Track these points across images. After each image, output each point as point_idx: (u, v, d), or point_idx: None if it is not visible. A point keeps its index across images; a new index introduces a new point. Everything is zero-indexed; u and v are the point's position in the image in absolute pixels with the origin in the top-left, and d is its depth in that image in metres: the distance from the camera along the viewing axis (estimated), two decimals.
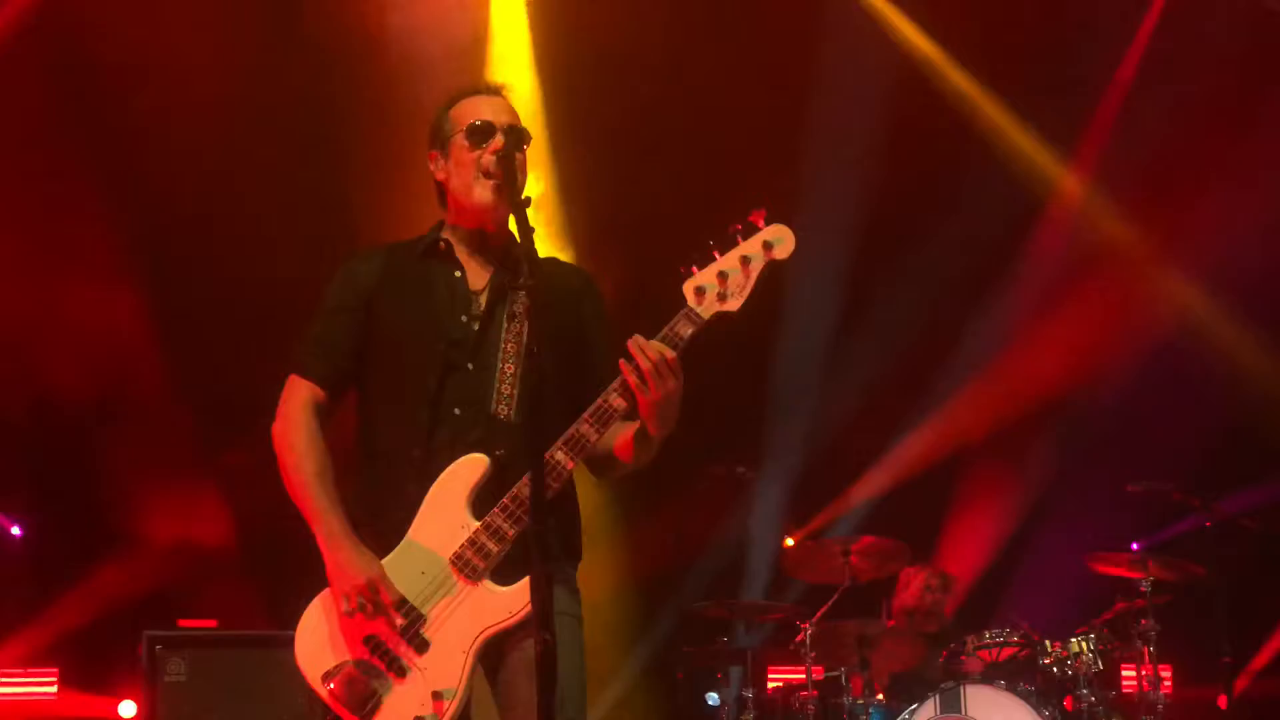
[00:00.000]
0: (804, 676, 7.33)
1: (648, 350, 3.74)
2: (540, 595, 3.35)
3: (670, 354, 3.76)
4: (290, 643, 3.96)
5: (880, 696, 7.39)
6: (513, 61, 8.54)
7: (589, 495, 4.25)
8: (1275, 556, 8.67)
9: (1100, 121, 9.57)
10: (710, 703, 7.68)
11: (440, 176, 4.17)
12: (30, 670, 7.51)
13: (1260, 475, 8.85)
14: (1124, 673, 7.72)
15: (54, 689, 7.44)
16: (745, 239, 3.91)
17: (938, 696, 6.99)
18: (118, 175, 8.08)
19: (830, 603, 7.56)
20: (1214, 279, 9.11)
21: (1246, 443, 9.02)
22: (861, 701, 7.29)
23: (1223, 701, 8.07)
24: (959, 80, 9.28)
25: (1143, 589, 7.41)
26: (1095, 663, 7.24)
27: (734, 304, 3.89)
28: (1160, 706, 7.38)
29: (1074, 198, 9.60)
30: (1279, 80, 9.05)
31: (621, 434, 3.95)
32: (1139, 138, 9.31)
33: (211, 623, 6.63)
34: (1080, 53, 9.30)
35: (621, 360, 3.78)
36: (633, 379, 3.76)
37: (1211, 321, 9.14)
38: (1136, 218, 9.43)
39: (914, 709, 6.99)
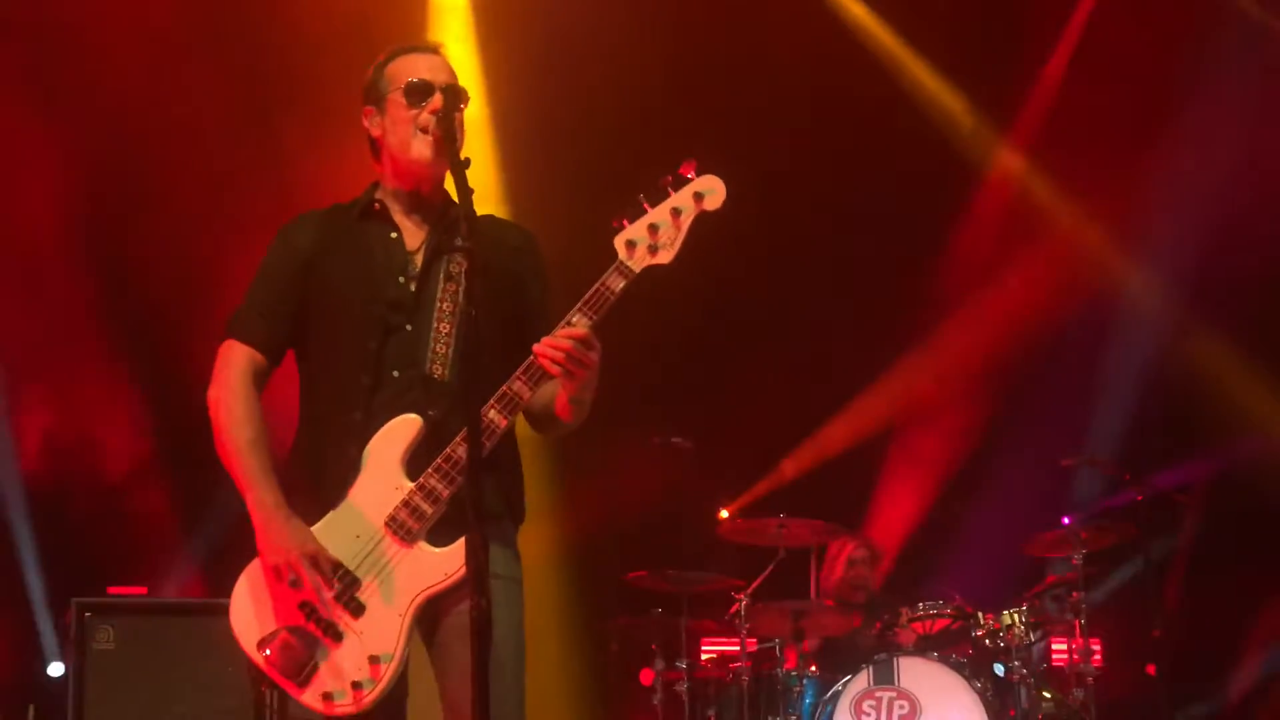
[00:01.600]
0: (738, 648, 7.34)
1: (558, 345, 3.74)
2: (475, 557, 3.32)
3: (580, 332, 3.76)
4: (223, 610, 3.93)
5: (814, 668, 7.39)
6: (451, 19, 8.51)
7: (529, 470, 4.22)
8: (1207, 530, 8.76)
9: (1038, 96, 9.61)
10: (644, 678, 7.67)
11: (375, 133, 4.14)
12: None
13: (1191, 451, 8.90)
14: (1054, 645, 7.74)
15: None
16: (676, 190, 3.91)
17: (871, 668, 7.03)
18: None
19: (765, 575, 7.57)
20: (1149, 257, 9.16)
21: (1177, 420, 9.08)
22: (795, 673, 7.31)
23: (1151, 669, 8.16)
24: (896, 51, 9.30)
25: (1074, 562, 7.46)
26: (1026, 635, 7.29)
27: (665, 256, 3.90)
28: (1090, 679, 7.45)
29: (1009, 171, 9.62)
30: (1214, 58, 9.11)
31: (559, 393, 3.93)
32: (1076, 112, 9.36)
33: (142, 590, 6.54)
34: (1019, 28, 9.33)
35: (535, 347, 3.77)
36: (555, 370, 3.77)
37: (1146, 300, 9.20)
38: (1073, 193, 9.46)
39: (847, 680, 7.02)
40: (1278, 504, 9.03)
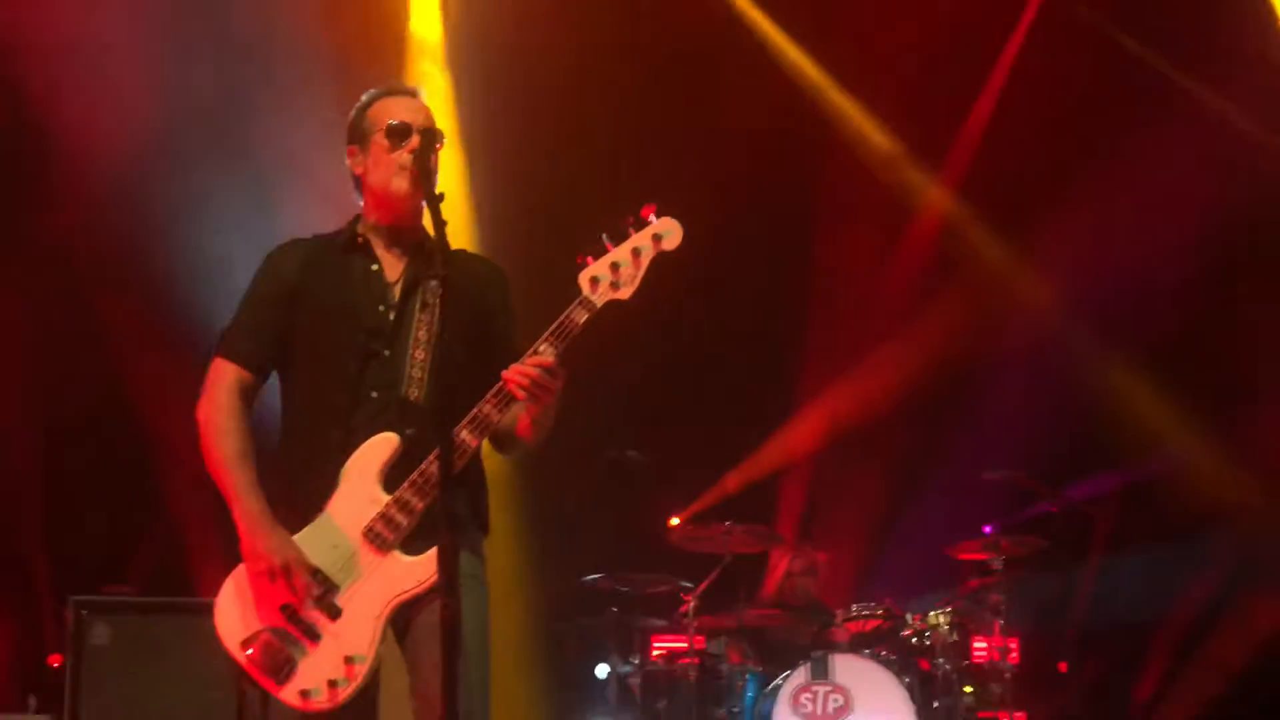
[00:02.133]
0: (687, 645, 7.33)
1: (526, 373, 3.76)
2: (447, 563, 3.33)
3: (547, 361, 3.78)
4: (209, 610, 3.92)
5: (756, 664, 7.38)
6: (427, 62, 8.50)
7: (492, 478, 4.22)
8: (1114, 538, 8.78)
9: (965, 140, 9.65)
10: (599, 674, 7.66)
11: (358, 170, 4.14)
12: None
13: (1100, 467, 8.94)
14: (975, 643, 7.76)
15: None
16: (636, 231, 3.93)
17: (808, 664, 7.02)
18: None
19: (711, 578, 7.56)
20: (1065, 290, 9.20)
21: (1089, 438, 9.12)
22: (739, 668, 7.30)
23: (1063, 667, 8.19)
24: (835, 97, 9.33)
25: (994, 568, 7.48)
26: (950, 634, 7.33)
27: (625, 292, 3.91)
28: (1008, 674, 7.48)
29: (940, 208, 9.65)
30: (1131, 108, 9.19)
31: (522, 415, 3.93)
32: (1002, 155, 9.41)
33: (133, 589, 6.51)
34: (948, 77, 9.38)
35: (504, 374, 3.79)
36: (521, 396, 3.78)
37: (1061, 327, 9.24)
38: (997, 230, 9.50)
39: (787, 675, 7.02)
40: (1179, 514, 9.08)
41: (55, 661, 6.69)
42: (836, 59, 9.27)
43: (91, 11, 7.65)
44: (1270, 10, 9.74)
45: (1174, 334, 8.94)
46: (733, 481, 8.92)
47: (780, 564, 8.02)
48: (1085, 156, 8.90)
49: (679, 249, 3.95)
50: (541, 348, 3.83)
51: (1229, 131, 9.28)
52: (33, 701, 6.67)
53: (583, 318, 3.87)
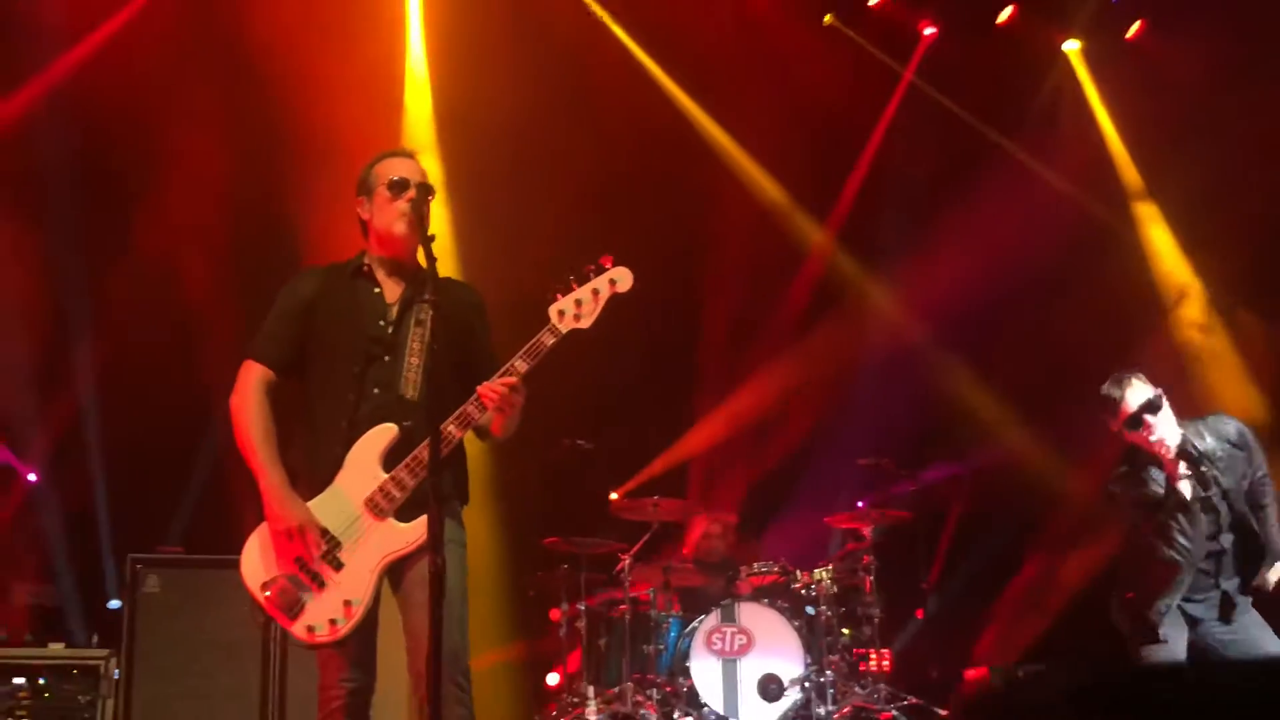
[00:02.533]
0: (622, 595, 7.32)
1: (495, 389, 3.82)
2: (433, 530, 3.37)
3: (513, 381, 3.84)
4: (237, 565, 3.93)
5: (677, 610, 7.37)
6: (420, 127, 8.48)
7: (472, 463, 4.21)
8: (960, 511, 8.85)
9: (845, 196, 9.71)
10: (553, 618, 7.63)
11: (365, 216, 4.16)
12: (40, 581, 7.25)
13: (948, 454, 8.99)
14: (853, 593, 7.76)
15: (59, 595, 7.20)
16: (596, 276, 4.00)
17: (719, 610, 7.02)
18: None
19: (643, 541, 7.56)
20: (925, 313, 9.25)
21: (940, 431, 9.18)
22: (663, 613, 7.29)
23: (920, 614, 8.23)
24: (739, 158, 9.35)
25: (866, 534, 7.51)
26: (831, 587, 7.33)
27: (585, 323, 3.96)
28: (876, 619, 7.50)
29: (824, 250, 9.68)
30: (970, 169, 9.26)
31: (495, 417, 3.96)
32: (872, 207, 9.47)
33: (179, 548, 6.45)
34: (833, 145, 9.43)
35: (480, 388, 3.83)
36: (491, 406, 3.85)
37: (921, 342, 9.29)
38: (870, 265, 9.55)
39: (701, 619, 7.02)
40: (1011, 493, 9.15)
41: (115, 605, 6.60)
42: (747, 134, 9.29)
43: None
44: (1080, 88, 9.88)
45: (1002, 346, 9.01)
46: (659, 465, 8.91)
47: (697, 529, 8.01)
48: (936, 206, 8.96)
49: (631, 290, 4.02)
50: (517, 362, 3.88)
51: (1043, 186, 9.39)
52: (95, 638, 6.60)
53: (550, 341, 3.92)
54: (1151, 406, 4.91)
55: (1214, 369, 9.08)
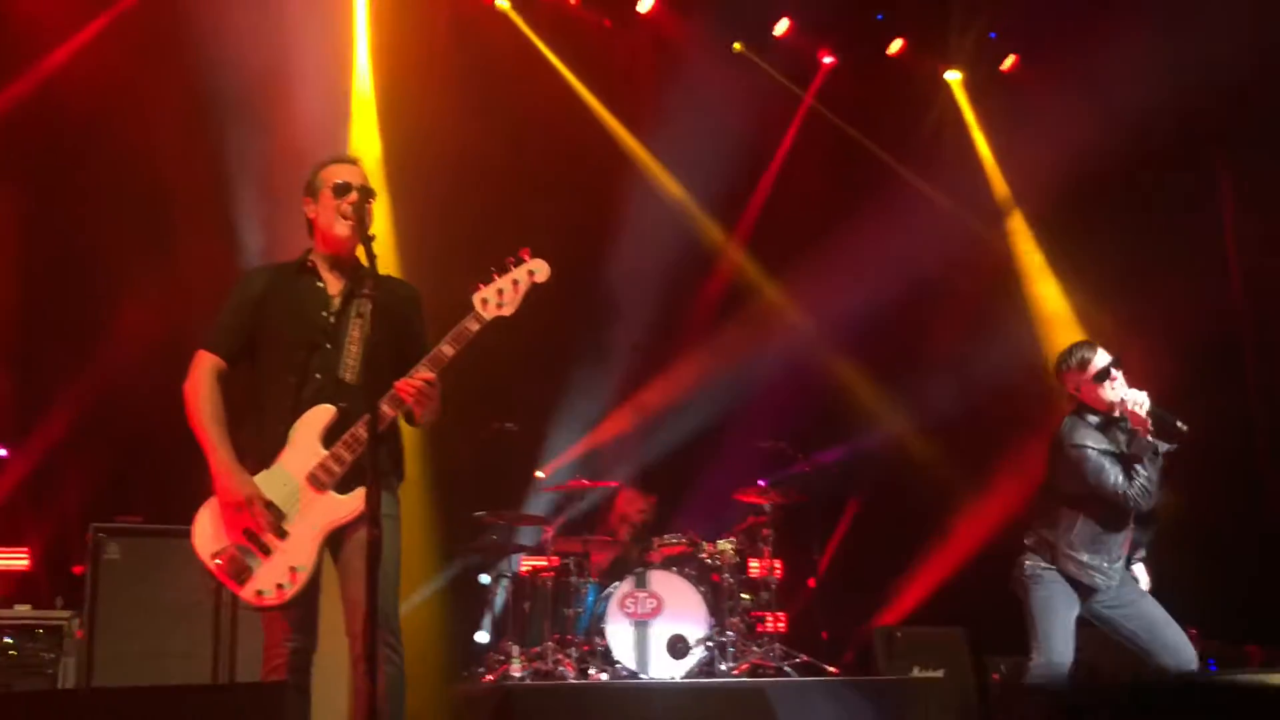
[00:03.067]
0: (546, 563, 7.31)
1: (412, 384, 3.81)
2: (371, 503, 3.34)
3: (430, 376, 3.83)
4: (189, 534, 3.90)
5: (595, 577, 7.38)
6: (365, 137, 8.39)
7: (409, 442, 4.20)
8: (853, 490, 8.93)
9: (750, 210, 9.76)
10: (482, 581, 7.60)
11: (311, 215, 4.14)
12: (7, 547, 7.07)
13: (839, 439, 9.06)
14: (751, 563, 7.83)
15: (25, 561, 7.02)
16: (516, 267, 4.01)
17: (633, 577, 7.04)
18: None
19: (565, 515, 7.55)
20: (819, 314, 9.32)
21: (831, 418, 9.24)
22: (582, 580, 7.29)
23: (812, 582, 8.30)
24: (658, 174, 9.36)
25: (765, 510, 7.57)
26: (734, 557, 7.38)
27: (508, 310, 3.95)
28: (773, 586, 7.58)
29: (733, 258, 9.71)
30: (863, 188, 9.35)
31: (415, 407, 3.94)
32: (776, 221, 9.52)
33: (138, 518, 6.33)
34: (742, 164, 9.47)
35: (396, 384, 3.81)
36: (408, 400, 3.83)
37: (811, 341, 9.36)
38: (772, 273, 9.60)
39: (617, 585, 7.03)
40: (893, 474, 9.27)
41: (78, 571, 6.46)
42: (664, 149, 9.29)
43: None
44: (964, 121, 10.02)
45: (886, 346, 9.11)
46: (581, 446, 8.90)
47: (616, 504, 8.02)
48: (832, 221, 9.03)
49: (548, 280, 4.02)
50: (444, 347, 3.87)
51: (928, 205, 9.52)
52: (60, 601, 6.46)
53: (475, 327, 3.91)
54: (1117, 363, 5.01)
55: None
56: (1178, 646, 4.89)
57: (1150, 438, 4.90)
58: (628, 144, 9.26)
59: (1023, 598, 5.08)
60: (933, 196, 9.57)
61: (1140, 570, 5.16)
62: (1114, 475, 4.87)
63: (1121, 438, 5.00)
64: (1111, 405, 4.99)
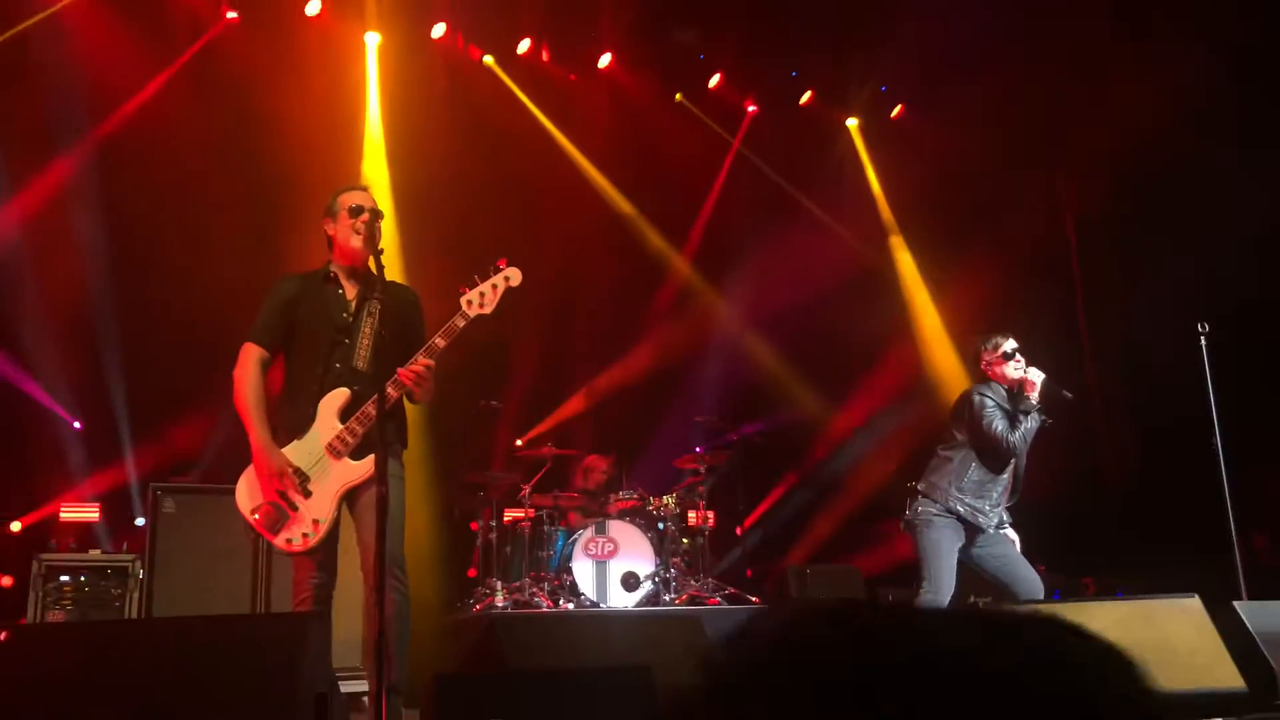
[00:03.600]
0: (524, 515, 7.31)
1: (413, 370, 3.80)
2: (379, 466, 3.37)
3: (428, 362, 3.82)
4: (233, 492, 3.90)
5: (563, 525, 7.40)
6: (375, 167, 8.34)
7: (414, 418, 4.20)
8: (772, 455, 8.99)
9: (696, 229, 9.75)
10: (472, 528, 7.59)
11: (330, 233, 4.13)
12: (82, 502, 6.98)
13: (760, 413, 9.11)
14: (689, 513, 7.86)
15: (96, 514, 6.93)
16: (494, 274, 4.03)
17: (594, 525, 7.06)
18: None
19: (540, 474, 7.55)
20: (749, 316, 9.36)
21: (757, 394, 9.29)
22: (553, 528, 7.31)
23: (739, 530, 8.36)
24: (620, 203, 9.35)
25: (701, 471, 7.61)
26: (675, 509, 7.39)
27: (488, 310, 3.97)
28: (708, 533, 7.60)
29: (680, 267, 9.71)
30: (777, 214, 9.36)
31: (415, 390, 3.93)
32: (715, 238, 9.52)
33: (190, 478, 6.27)
34: (684, 180, 9.47)
35: (400, 370, 3.79)
36: (408, 384, 3.81)
37: (745, 335, 9.40)
38: (710, 280, 9.61)
39: (580, 532, 7.05)
40: (799, 444, 9.34)
41: (140, 523, 6.40)
42: (623, 185, 9.28)
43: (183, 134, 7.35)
44: (859, 159, 10.09)
45: (801, 339, 9.15)
46: (552, 419, 8.91)
47: (581, 464, 8.02)
48: (756, 240, 9.08)
49: (521, 285, 4.03)
50: (437, 340, 3.88)
51: (828, 231, 9.55)
52: (125, 546, 6.40)
53: (461, 323, 3.92)
54: (1020, 350, 5.11)
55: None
56: (1029, 580, 4.94)
57: (1038, 405, 5.01)
58: (592, 175, 9.25)
59: (914, 539, 5.06)
60: (833, 226, 9.61)
61: (1011, 534, 5.17)
62: (1001, 424, 4.97)
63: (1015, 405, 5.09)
64: (1014, 381, 5.07)
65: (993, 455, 5.01)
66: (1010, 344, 5.14)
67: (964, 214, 9.00)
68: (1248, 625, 3.97)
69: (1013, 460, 5.04)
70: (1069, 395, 5.03)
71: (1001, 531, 5.09)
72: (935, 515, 5.02)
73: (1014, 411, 5.01)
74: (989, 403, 5.02)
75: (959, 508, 4.98)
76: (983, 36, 8.24)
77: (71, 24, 7.37)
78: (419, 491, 7.34)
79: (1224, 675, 3.75)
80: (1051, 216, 9.60)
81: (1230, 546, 5.11)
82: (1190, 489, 5.55)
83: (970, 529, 5.00)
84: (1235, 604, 4.10)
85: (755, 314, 9.19)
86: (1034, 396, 4.99)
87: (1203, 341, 5.26)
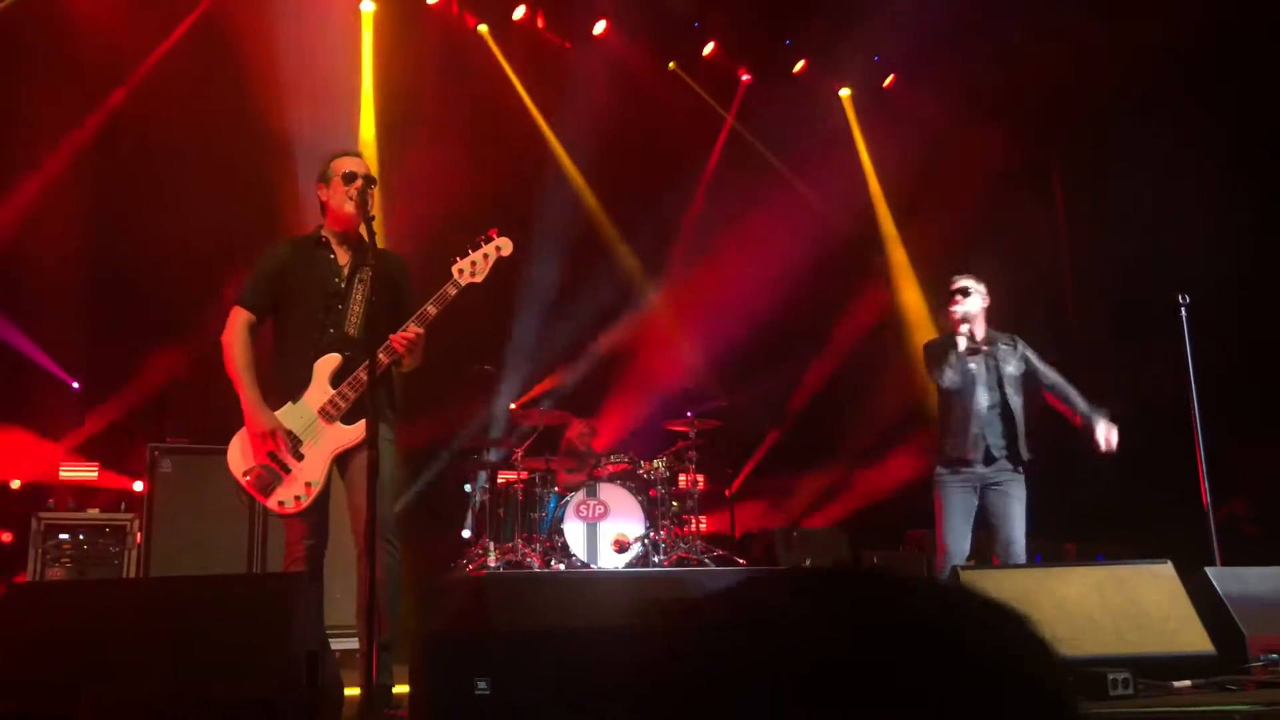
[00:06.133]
0: (516, 476, 7.34)
1: (405, 336, 3.79)
2: (370, 430, 3.32)
3: (419, 330, 3.81)
4: (225, 454, 3.88)
5: (556, 488, 7.42)
6: (369, 133, 8.27)
7: (409, 382, 4.18)
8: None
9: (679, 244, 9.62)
10: (466, 490, 7.62)
11: (324, 198, 4.08)
12: (80, 462, 6.98)
13: (750, 381, 9.08)
14: (680, 477, 7.90)
15: (95, 474, 6.94)
16: (485, 244, 4.01)
17: (585, 488, 7.08)
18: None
19: (531, 438, 7.56)
20: (737, 292, 9.23)
21: (745, 365, 9.24)
22: (545, 490, 7.33)
23: (726, 493, 8.40)
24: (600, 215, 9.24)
25: (691, 435, 7.62)
26: (665, 472, 7.41)
27: (479, 278, 3.96)
28: (696, 495, 7.63)
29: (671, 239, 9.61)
30: (756, 190, 9.20)
31: (405, 357, 3.93)
32: (694, 246, 9.39)
33: (186, 440, 6.28)
34: (672, 180, 9.37)
35: (392, 337, 3.78)
36: (400, 351, 3.80)
37: (732, 311, 9.28)
38: (703, 254, 9.49)
39: (572, 494, 7.08)
40: (791, 408, 9.33)
41: (137, 482, 6.41)
42: (598, 175, 9.20)
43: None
44: (851, 128, 9.99)
45: (773, 322, 8.99)
46: (546, 384, 8.90)
47: (573, 430, 8.04)
48: (725, 220, 8.99)
49: (513, 256, 4.02)
50: (429, 307, 3.86)
51: (808, 205, 9.42)
52: (124, 505, 6.42)
53: (453, 291, 3.89)
54: (965, 291, 5.09)
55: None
56: (1016, 544, 4.91)
57: (971, 340, 5.04)
58: (569, 166, 9.14)
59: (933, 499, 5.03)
60: (812, 199, 9.42)
61: (1020, 490, 5.06)
62: (932, 365, 5.07)
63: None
64: (955, 319, 5.07)
65: (944, 394, 5.08)
66: (957, 283, 5.12)
67: (955, 180, 8.91)
68: (1219, 590, 4.01)
69: (977, 393, 4.98)
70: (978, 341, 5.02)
71: (1011, 480, 4.97)
72: (942, 474, 5.01)
73: (948, 351, 5.03)
74: (927, 349, 5.17)
75: (948, 450, 5.00)
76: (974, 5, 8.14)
77: None
78: (418, 456, 7.34)
79: (1193, 639, 3.80)
80: (1046, 181, 9.54)
81: (1206, 513, 5.13)
82: (1175, 456, 5.55)
83: (969, 476, 4.94)
84: (1207, 570, 4.14)
85: (747, 291, 9.08)
86: (962, 335, 4.99)
87: (1183, 313, 5.24)
